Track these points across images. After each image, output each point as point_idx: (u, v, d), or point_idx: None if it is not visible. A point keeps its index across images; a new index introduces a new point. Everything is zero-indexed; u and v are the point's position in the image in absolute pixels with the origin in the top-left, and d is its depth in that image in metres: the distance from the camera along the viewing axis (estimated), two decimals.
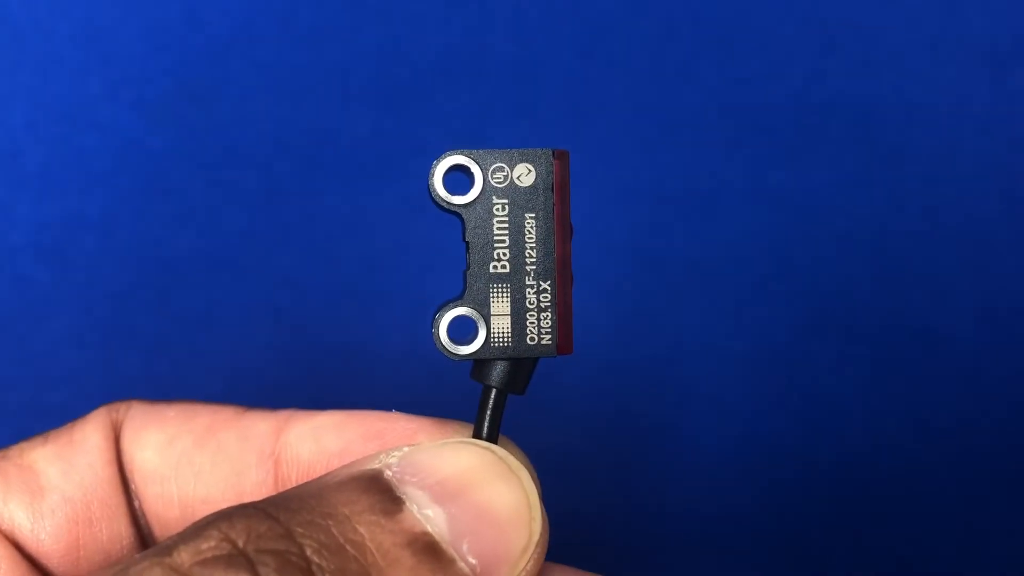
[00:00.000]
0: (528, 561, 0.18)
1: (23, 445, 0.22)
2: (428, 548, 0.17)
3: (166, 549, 0.16)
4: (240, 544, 0.16)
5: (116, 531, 0.22)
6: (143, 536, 0.23)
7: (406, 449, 0.18)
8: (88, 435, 0.22)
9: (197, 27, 0.41)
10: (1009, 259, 0.42)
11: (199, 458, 0.22)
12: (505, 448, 0.19)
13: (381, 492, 0.17)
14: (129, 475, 0.22)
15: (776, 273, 0.42)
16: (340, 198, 0.41)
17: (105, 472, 0.22)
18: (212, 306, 0.40)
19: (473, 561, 0.17)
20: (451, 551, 0.17)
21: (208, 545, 0.16)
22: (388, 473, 0.18)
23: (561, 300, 0.20)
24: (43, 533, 0.21)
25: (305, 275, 0.40)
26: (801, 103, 0.42)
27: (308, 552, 0.16)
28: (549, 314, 0.20)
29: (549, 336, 0.20)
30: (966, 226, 0.42)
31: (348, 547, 0.16)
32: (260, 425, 0.22)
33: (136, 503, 0.23)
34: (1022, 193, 0.42)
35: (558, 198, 0.20)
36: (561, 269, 0.20)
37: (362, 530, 0.17)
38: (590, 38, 0.42)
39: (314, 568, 0.16)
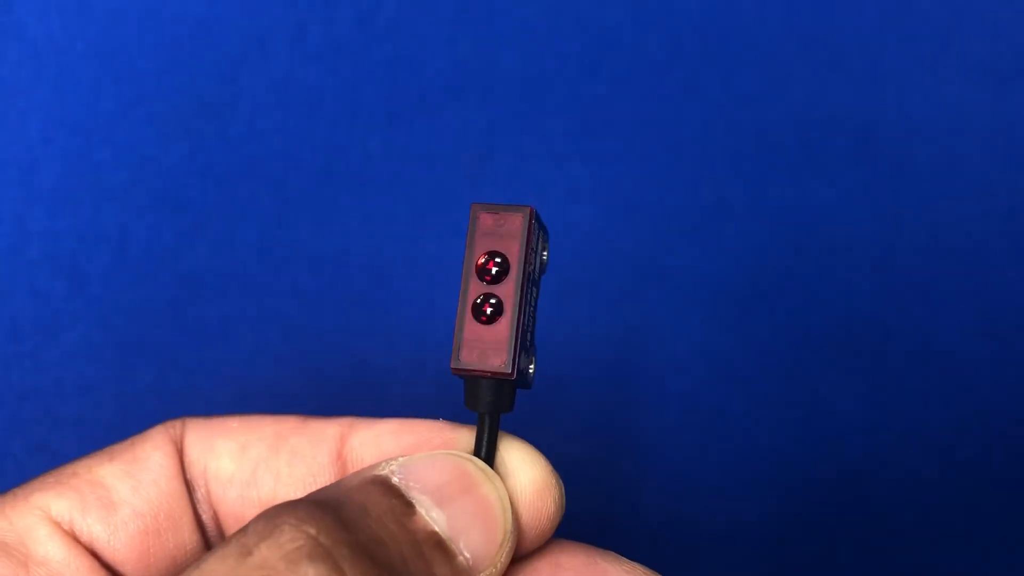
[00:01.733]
0: (503, 553, 0.21)
1: (89, 462, 0.23)
2: (437, 545, 0.20)
3: (244, 548, 0.17)
4: (314, 534, 0.17)
5: (181, 539, 0.24)
6: (207, 541, 0.24)
7: (402, 459, 0.21)
8: (150, 453, 0.24)
9: (210, 44, 0.42)
10: (1010, 275, 0.42)
11: (275, 462, 0.24)
12: (522, 446, 0.22)
13: (396, 496, 0.20)
14: (202, 483, 0.24)
15: (778, 288, 0.42)
16: (351, 212, 0.41)
17: (169, 486, 0.23)
18: (225, 319, 0.40)
19: (468, 555, 0.20)
20: (453, 547, 0.20)
21: (286, 538, 0.17)
22: (395, 479, 0.20)
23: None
24: (118, 544, 0.23)
25: (317, 288, 0.41)
26: (803, 120, 0.42)
27: (364, 541, 0.18)
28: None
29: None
30: (967, 242, 0.42)
31: (387, 539, 0.19)
32: (328, 430, 0.24)
33: (206, 510, 0.24)
34: (1023, 209, 0.42)
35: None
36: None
37: (392, 527, 0.19)
38: (596, 55, 0.43)
39: (373, 554, 0.18)
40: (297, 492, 0.24)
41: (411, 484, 0.20)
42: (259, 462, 0.24)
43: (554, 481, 0.22)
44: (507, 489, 0.22)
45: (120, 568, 0.23)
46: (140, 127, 0.41)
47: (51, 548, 0.22)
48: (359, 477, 0.20)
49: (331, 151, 0.42)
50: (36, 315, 0.40)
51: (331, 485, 0.20)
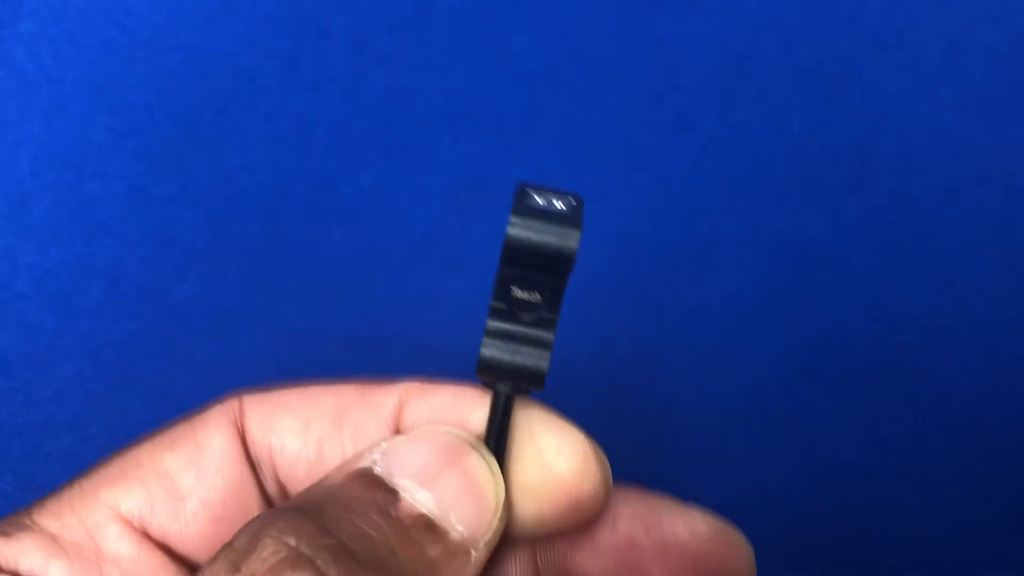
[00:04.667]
0: (497, 518, 0.21)
1: (151, 449, 0.23)
2: (427, 526, 0.20)
3: (232, 565, 0.18)
4: (294, 544, 0.18)
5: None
6: None
7: (384, 445, 0.21)
8: (212, 437, 0.23)
9: (202, 76, 0.42)
10: (1009, 308, 0.42)
11: (339, 438, 0.23)
12: (555, 432, 0.22)
13: (378, 487, 0.20)
14: (268, 462, 0.24)
15: (774, 320, 0.42)
16: (343, 245, 0.41)
17: (234, 471, 0.23)
18: (216, 353, 0.40)
19: (461, 528, 0.20)
20: (444, 524, 0.20)
21: (269, 552, 0.18)
22: (377, 469, 0.21)
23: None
24: (189, 535, 0.23)
25: (308, 322, 0.41)
26: (800, 151, 0.42)
27: (347, 540, 0.18)
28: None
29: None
30: (965, 274, 0.42)
31: (372, 533, 0.19)
32: (387, 402, 0.23)
33: (273, 487, 0.24)
34: (1021, 241, 0.42)
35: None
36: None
37: (376, 519, 0.19)
38: (590, 86, 0.43)
39: (354, 551, 0.18)
40: None
41: (393, 470, 0.21)
42: (323, 439, 0.23)
43: (595, 465, 0.22)
44: (546, 477, 0.22)
45: (192, 557, 0.23)
46: (131, 159, 0.41)
47: (122, 546, 0.22)
48: (343, 472, 0.21)
49: (322, 184, 0.42)
50: (26, 349, 0.40)
51: (316, 484, 0.21)
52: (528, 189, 0.21)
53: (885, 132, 0.43)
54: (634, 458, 0.41)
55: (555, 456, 0.22)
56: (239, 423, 0.24)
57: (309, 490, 0.21)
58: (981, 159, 0.43)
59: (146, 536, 0.22)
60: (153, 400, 0.40)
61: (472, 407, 0.23)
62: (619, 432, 0.42)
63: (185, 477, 0.23)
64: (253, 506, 0.24)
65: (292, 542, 0.18)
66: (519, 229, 0.20)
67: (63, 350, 0.40)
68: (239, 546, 0.18)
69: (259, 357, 0.40)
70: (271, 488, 0.24)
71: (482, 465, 0.21)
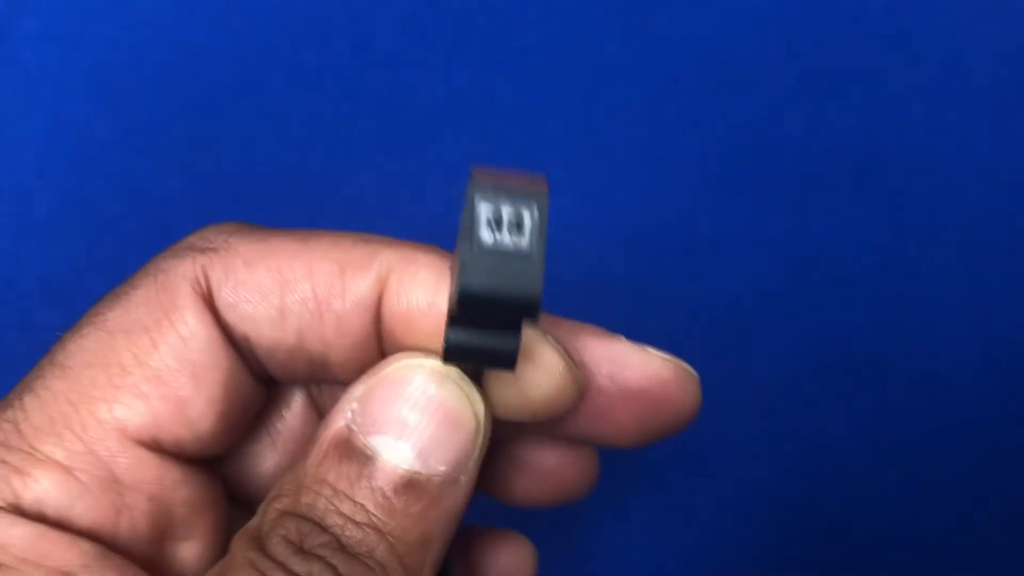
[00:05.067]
0: (480, 440, 0.21)
1: (127, 345, 0.22)
2: (409, 484, 0.20)
3: (258, 546, 0.20)
4: (299, 542, 0.20)
5: (250, 394, 0.23)
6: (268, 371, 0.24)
7: (359, 392, 0.21)
8: (195, 328, 0.22)
9: (204, 75, 0.42)
10: (1012, 306, 0.42)
11: (321, 329, 0.22)
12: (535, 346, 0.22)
13: (354, 457, 0.20)
14: (246, 346, 0.23)
15: (777, 320, 0.42)
16: None
17: (222, 360, 0.22)
18: None
19: (443, 468, 0.21)
20: (425, 473, 0.20)
21: (280, 548, 0.20)
22: (353, 428, 0.21)
23: None
24: (200, 436, 0.22)
25: None
26: (802, 150, 0.42)
27: (337, 534, 0.20)
28: None
29: None
30: (968, 273, 0.42)
31: (355, 517, 0.20)
32: (366, 289, 0.22)
33: (256, 363, 0.23)
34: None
35: None
36: None
37: (358, 498, 0.20)
38: (592, 85, 0.43)
39: (345, 545, 0.20)
40: (348, 358, 0.23)
41: (369, 429, 0.21)
42: (303, 328, 0.22)
43: (566, 371, 0.22)
44: (513, 394, 0.22)
45: (212, 451, 0.23)
46: (134, 158, 0.41)
47: (143, 471, 0.21)
48: (327, 437, 0.21)
49: (325, 182, 0.42)
50: (29, 349, 0.40)
51: (304, 461, 0.21)
52: (479, 196, 0.18)
53: (889, 132, 0.42)
54: (635, 456, 0.41)
55: (529, 367, 0.22)
56: (208, 298, 0.22)
57: (301, 465, 0.21)
58: (985, 159, 0.42)
59: (160, 450, 0.22)
60: None
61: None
62: None
63: (181, 380, 0.22)
64: (248, 387, 0.23)
65: (296, 539, 0.20)
66: (474, 277, 0.18)
67: None
68: (261, 534, 0.20)
69: None
70: (254, 364, 0.23)
71: (456, 394, 0.21)
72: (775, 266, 0.42)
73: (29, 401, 0.22)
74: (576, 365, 0.23)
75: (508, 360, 0.20)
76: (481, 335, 0.20)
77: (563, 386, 0.22)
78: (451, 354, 0.20)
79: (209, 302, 0.22)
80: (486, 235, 0.18)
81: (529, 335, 0.22)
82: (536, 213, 0.18)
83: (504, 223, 0.18)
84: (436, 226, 0.42)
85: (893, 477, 0.41)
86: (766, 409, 0.41)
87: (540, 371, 0.22)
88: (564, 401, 0.23)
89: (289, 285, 0.22)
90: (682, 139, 0.42)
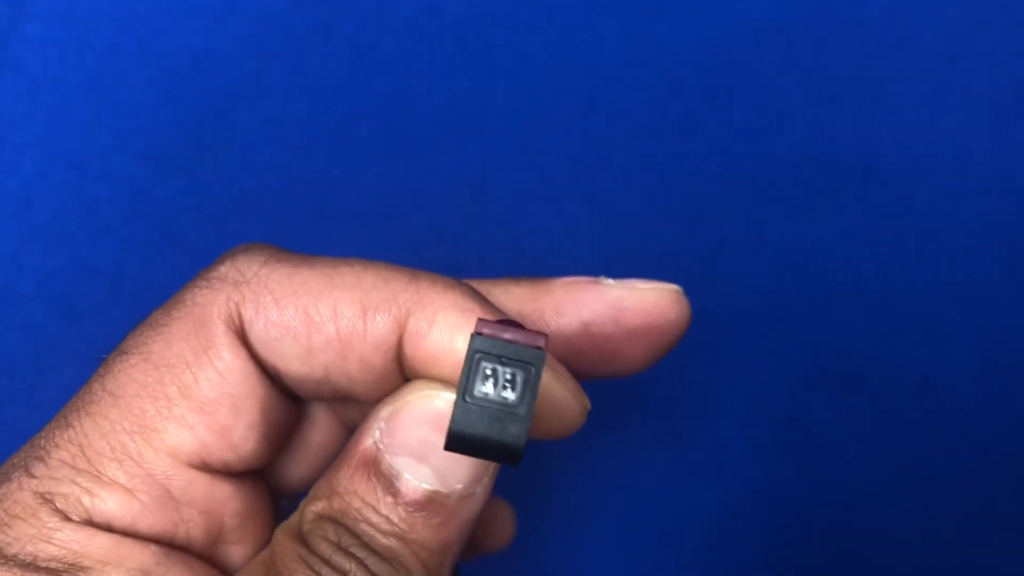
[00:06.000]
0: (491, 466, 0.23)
1: (172, 380, 0.24)
2: (429, 500, 0.23)
3: (299, 541, 0.23)
4: (337, 540, 0.22)
5: (287, 416, 0.26)
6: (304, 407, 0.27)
7: (385, 413, 0.23)
8: (233, 363, 0.24)
9: (206, 79, 0.42)
10: (1010, 313, 0.42)
11: (345, 367, 0.25)
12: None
13: (381, 475, 0.23)
14: (275, 374, 0.25)
15: (776, 324, 0.42)
16: (345, 248, 0.41)
17: (258, 390, 0.25)
18: None
19: (460, 485, 0.23)
20: (444, 491, 0.23)
21: (324, 546, 0.22)
22: (380, 447, 0.23)
23: None
24: (243, 456, 0.25)
25: None
26: (802, 156, 0.42)
27: (367, 541, 0.22)
28: None
29: None
30: (967, 281, 0.42)
31: (383, 528, 0.22)
32: (388, 335, 0.24)
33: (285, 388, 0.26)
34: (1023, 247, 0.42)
35: None
36: None
37: (384, 511, 0.23)
38: (594, 91, 0.43)
39: (374, 549, 0.22)
40: (372, 388, 0.25)
41: (395, 449, 0.23)
42: (328, 366, 0.25)
43: (576, 401, 0.24)
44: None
45: (255, 465, 0.25)
46: (136, 162, 0.41)
47: (192, 488, 0.24)
48: (355, 454, 0.23)
49: (326, 186, 0.42)
50: (30, 351, 0.40)
51: (338, 468, 0.23)
52: (479, 354, 0.20)
53: (888, 137, 0.43)
54: (634, 462, 0.41)
55: (545, 411, 0.24)
56: (241, 333, 0.24)
57: (331, 482, 0.23)
58: (984, 164, 0.43)
59: (209, 470, 0.24)
60: None
61: (469, 328, 0.23)
62: (621, 434, 0.42)
63: (222, 410, 0.24)
64: (283, 408, 0.26)
65: (335, 539, 0.22)
66: (461, 426, 0.20)
67: (66, 352, 0.40)
68: (302, 530, 0.23)
69: None
70: (285, 387, 0.26)
71: None
72: (774, 271, 0.42)
73: (90, 428, 0.24)
74: (582, 392, 0.25)
75: (513, 456, 0.21)
76: (488, 427, 0.20)
77: (574, 418, 0.25)
78: (452, 446, 0.21)
79: (242, 338, 0.24)
80: (480, 388, 0.20)
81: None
82: (530, 374, 0.20)
83: (499, 379, 0.20)
84: (438, 230, 0.42)
85: (893, 477, 0.41)
86: (764, 413, 0.42)
87: (553, 412, 0.24)
88: (572, 428, 0.25)
89: (316, 326, 0.24)
90: (681, 145, 0.43)
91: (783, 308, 0.42)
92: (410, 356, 0.24)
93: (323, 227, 0.41)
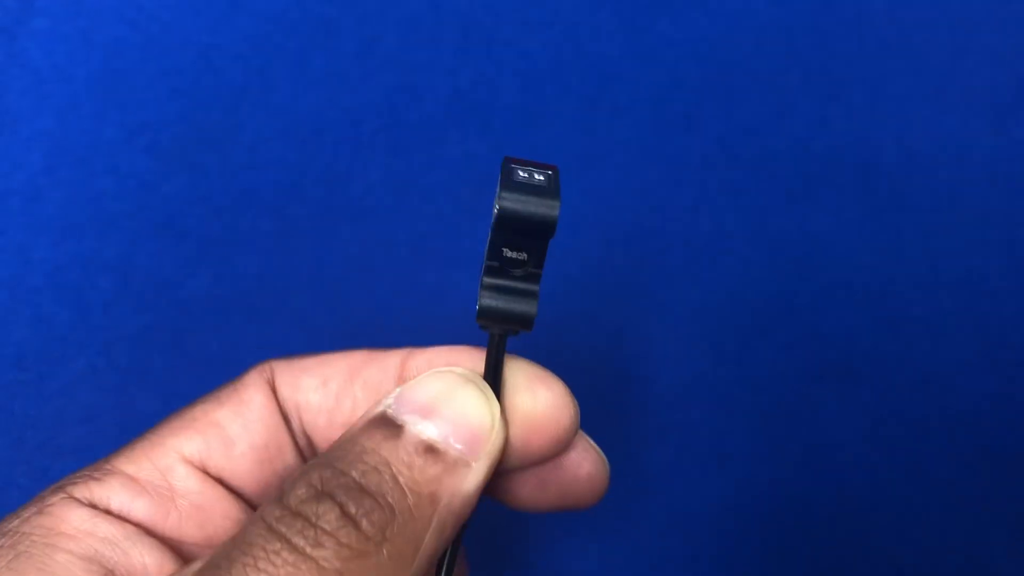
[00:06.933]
0: (495, 434, 0.25)
1: (204, 407, 0.28)
2: (428, 449, 0.24)
3: (277, 501, 0.23)
4: (319, 486, 0.23)
5: (286, 462, 0.29)
6: (305, 462, 0.29)
7: (397, 390, 0.25)
8: (252, 395, 0.28)
9: (212, 74, 0.42)
10: (1010, 306, 0.42)
11: (352, 391, 0.29)
12: (538, 371, 0.27)
13: (387, 425, 0.24)
14: (295, 414, 0.29)
15: (777, 319, 0.42)
16: (351, 242, 0.42)
17: (271, 421, 0.28)
18: (227, 347, 0.41)
19: (459, 446, 0.24)
20: (442, 445, 0.24)
21: (302, 492, 0.23)
22: (389, 411, 0.25)
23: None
24: (239, 471, 0.28)
25: (317, 317, 0.41)
26: (804, 150, 0.43)
27: (356, 476, 0.23)
28: None
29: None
30: (967, 274, 0.42)
31: (379, 467, 0.23)
32: (390, 361, 0.28)
33: (302, 436, 0.29)
34: (1023, 240, 0.42)
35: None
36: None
37: (383, 453, 0.24)
38: (596, 86, 0.43)
39: (362, 484, 0.23)
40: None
41: (401, 409, 0.25)
42: (339, 393, 0.29)
43: (570, 400, 0.27)
44: (526, 406, 0.27)
45: (242, 489, 0.28)
46: (142, 156, 0.42)
47: (189, 482, 0.27)
48: (364, 418, 0.25)
49: (331, 180, 0.42)
50: (39, 343, 0.41)
51: (347, 431, 0.25)
52: (513, 164, 0.24)
53: (888, 132, 0.43)
54: (636, 454, 0.42)
55: (541, 388, 0.27)
56: (272, 383, 0.29)
57: (335, 442, 0.25)
58: (983, 160, 0.43)
59: (206, 473, 0.27)
60: (164, 393, 0.40)
61: (462, 359, 0.27)
62: (621, 429, 0.42)
63: (233, 427, 0.28)
64: (288, 451, 0.29)
65: (318, 485, 0.23)
66: (509, 202, 0.24)
67: (75, 344, 0.40)
68: (284, 490, 0.23)
69: (269, 351, 0.40)
70: (300, 438, 0.29)
71: (477, 393, 0.26)
72: (776, 266, 0.42)
73: (131, 444, 0.28)
74: (573, 397, 0.28)
75: (527, 320, 0.25)
76: (506, 300, 0.25)
77: (565, 399, 0.27)
78: (483, 314, 0.25)
79: (271, 382, 0.29)
80: (518, 176, 0.24)
81: (535, 370, 0.27)
82: (550, 172, 0.24)
83: (530, 176, 0.24)
84: (441, 222, 0.42)
85: (894, 472, 0.42)
86: (766, 408, 0.42)
87: (548, 380, 0.27)
88: (564, 427, 0.27)
89: (330, 364, 0.29)
90: (683, 140, 0.43)
91: (784, 302, 0.42)
92: (414, 374, 0.28)
93: (328, 219, 0.42)
